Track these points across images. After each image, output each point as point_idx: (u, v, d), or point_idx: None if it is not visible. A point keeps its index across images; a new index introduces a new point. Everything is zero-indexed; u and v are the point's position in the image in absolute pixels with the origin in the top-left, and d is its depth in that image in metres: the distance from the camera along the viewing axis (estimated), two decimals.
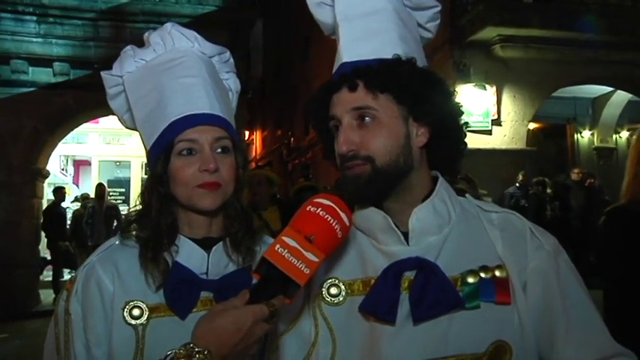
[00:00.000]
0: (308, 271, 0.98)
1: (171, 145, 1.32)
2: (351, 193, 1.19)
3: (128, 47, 1.45)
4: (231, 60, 1.53)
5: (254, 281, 1.04)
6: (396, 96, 1.18)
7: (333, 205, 1.05)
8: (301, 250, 0.98)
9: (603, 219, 2.46)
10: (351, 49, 1.24)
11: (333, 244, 1.04)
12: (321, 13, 1.35)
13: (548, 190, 10.21)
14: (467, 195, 1.33)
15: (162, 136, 1.33)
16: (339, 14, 1.28)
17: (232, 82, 1.54)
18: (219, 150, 1.33)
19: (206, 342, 0.96)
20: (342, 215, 1.05)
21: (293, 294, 1.01)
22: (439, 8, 1.35)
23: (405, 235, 1.19)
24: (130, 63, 1.43)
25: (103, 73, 1.46)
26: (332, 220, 1.03)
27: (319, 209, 1.03)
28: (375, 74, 1.17)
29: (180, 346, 0.96)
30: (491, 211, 1.26)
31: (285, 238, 0.99)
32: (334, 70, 1.27)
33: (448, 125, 1.23)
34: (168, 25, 1.44)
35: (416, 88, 1.18)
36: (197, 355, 0.94)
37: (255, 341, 0.99)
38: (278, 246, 0.99)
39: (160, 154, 1.33)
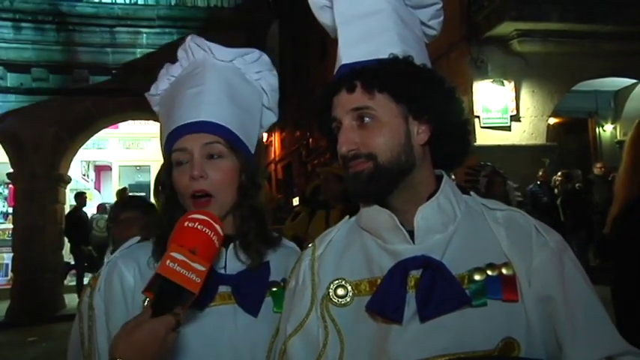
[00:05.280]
0: (199, 280, 1.07)
1: (170, 156, 1.36)
2: (353, 191, 1.19)
3: (165, 66, 1.50)
4: (263, 58, 1.49)
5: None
6: (393, 95, 1.17)
7: (207, 219, 1.14)
8: (189, 262, 1.07)
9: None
10: (349, 51, 1.24)
11: (213, 253, 1.14)
12: (324, 17, 1.34)
13: (577, 185, 9.98)
14: (471, 193, 1.31)
15: (164, 148, 1.40)
16: (337, 16, 1.27)
17: (265, 82, 1.51)
18: (212, 156, 1.34)
19: (128, 357, 1.00)
20: (217, 227, 1.14)
21: (188, 302, 1.08)
22: (440, 5, 1.34)
23: (411, 233, 1.18)
24: (164, 81, 1.48)
25: (146, 94, 1.53)
26: (209, 232, 1.12)
27: (197, 224, 1.12)
28: (372, 74, 1.17)
29: None
30: (495, 209, 1.25)
31: (173, 254, 1.07)
32: (334, 73, 1.26)
33: (449, 122, 1.22)
34: (188, 37, 1.46)
35: (413, 87, 1.17)
36: None
37: (167, 350, 1.05)
38: (168, 261, 1.06)
39: (164, 164, 1.40)
